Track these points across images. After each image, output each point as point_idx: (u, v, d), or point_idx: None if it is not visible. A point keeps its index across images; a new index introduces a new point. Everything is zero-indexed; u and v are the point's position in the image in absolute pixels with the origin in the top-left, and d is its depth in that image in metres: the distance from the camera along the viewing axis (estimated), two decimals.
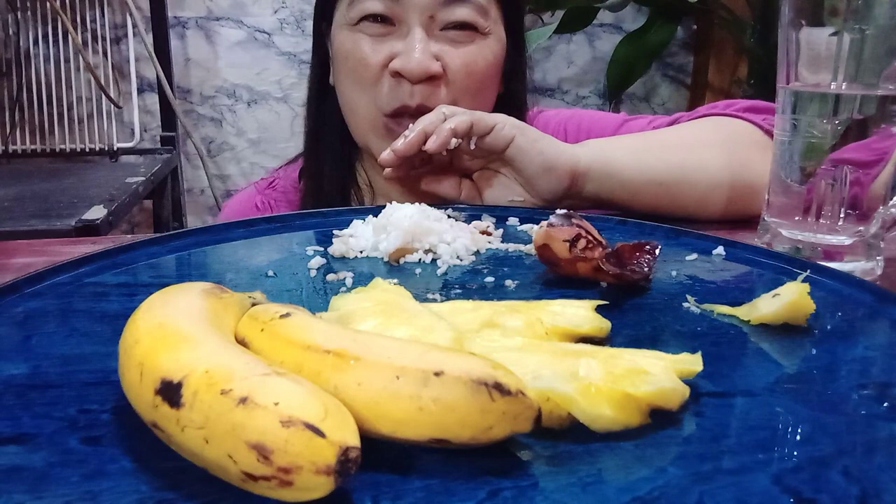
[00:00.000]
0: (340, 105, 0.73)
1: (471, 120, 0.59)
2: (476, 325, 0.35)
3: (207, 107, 1.88)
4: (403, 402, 0.25)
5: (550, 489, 0.25)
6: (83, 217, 1.08)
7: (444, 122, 0.59)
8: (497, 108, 0.73)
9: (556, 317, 0.35)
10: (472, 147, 0.61)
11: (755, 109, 0.70)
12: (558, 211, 0.45)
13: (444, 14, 0.67)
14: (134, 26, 1.70)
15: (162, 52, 1.71)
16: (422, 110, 0.64)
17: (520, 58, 0.77)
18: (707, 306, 0.41)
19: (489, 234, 0.55)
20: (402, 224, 0.50)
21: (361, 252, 0.50)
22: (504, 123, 0.60)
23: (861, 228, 0.51)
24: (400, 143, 0.59)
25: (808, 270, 0.45)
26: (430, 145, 0.58)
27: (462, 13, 0.67)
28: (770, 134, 0.65)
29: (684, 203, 0.65)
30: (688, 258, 0.50)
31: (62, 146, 1.73)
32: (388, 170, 0.61)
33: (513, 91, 0.77)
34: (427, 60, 0.65)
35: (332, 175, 0.77)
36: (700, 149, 0.66)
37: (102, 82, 1.66)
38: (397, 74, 0.66)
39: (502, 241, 0.54)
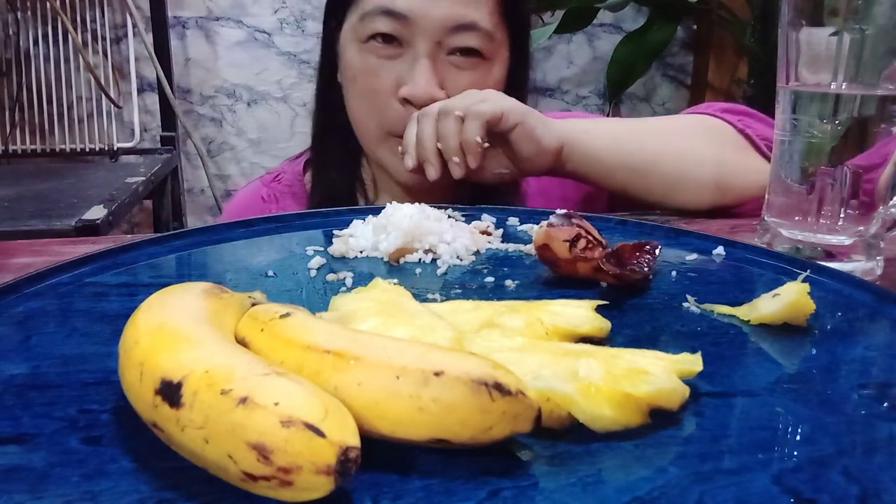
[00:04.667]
0: (348, 113, 0.76)
1: (481, 124, 0.62)
2: (476, 325, 0.35)
3: (207, 107, 1.88)
4: (403, 402, 0.25)
5: (550, 489, 0.25)
6: (83, 217, 1.08)
7: (466, 133, 0.62)
8: None
9: (556, 317, 0.35)
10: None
11: (732, 111, 0.73)
12: (558, 211, 0.45)
13: (451, 40, 0.69)
14: (134, 26, 1.71)
15: (162, 52, 1.71)
16: None
17: (524, 68, 0.78)
18: (707, 306, 0.41)
19: (489, 234, 0.55)
20: (402, 224, 0.50)
21: (361, 252, 0.50)
22: (510, 111, 0.63)
23: (861, 228, 0.51)
24: (432, 173, 0.63)
25: (808, 270, 0.45)
26: (472, 164, 0.62)
27: (468, 40, 0.69)
28: (743, 134, 0.70)
29: (652, 187, 0.69)
30: (688, 258, 0.50)
31: (62, 146, 1.73)
32: (409, 163, 0.65)
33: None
34: (432, 89, 0.68)
35: (338, 168, 0.79)
36: (677, 141, 0.70)
37: (102, 82, 1.66)
38: (406, 101, 0.69)
39: (502, 241, 0.54)
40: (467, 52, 0.70)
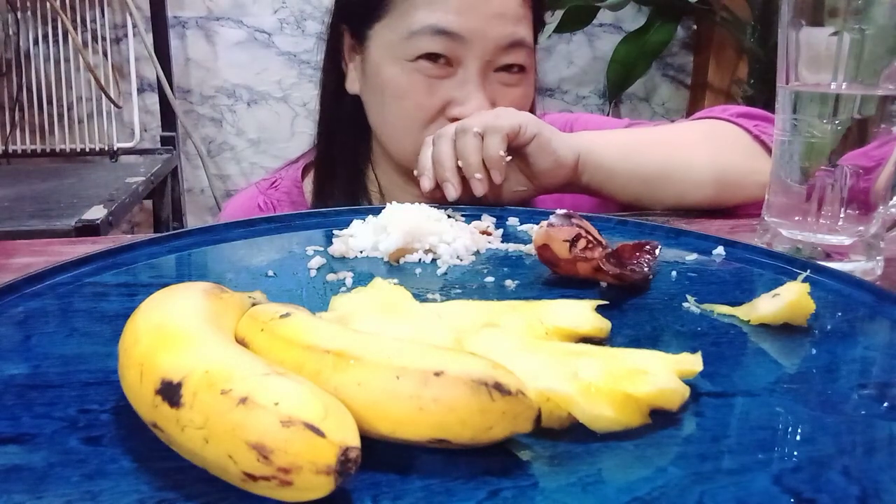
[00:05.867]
0: (378, 128, 0.74)
1: (501, 138, 0.61)
2: (476, 325, 0.35)
3: (207, 107, 1.88)
4: (403, 402, 0.25)
5: (550, 489, 0.25)
6: (83, 217, 1.08)
7: (488, 148, 0.61)
8: None
9: (556, 317, 0.35)
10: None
11: (748, 115, 0.72)
12: (558, 211, 0.45)
13: (501, 58, 0.69)
14: (134, 26, 1.70)
15: (162, 52, 1.71)
16: None
17: (534, 72, 0.78)
18: (707, 306, 0.41)
19: (489, 234, 0.55)
20: (402, 224, 0.50)
21: (361, 252, 0.50)
22: (526, 124, 0.63)
23: (861, 228, 0.51)
24: (452, 193, 0.61)
25: (808, 270, 0.45)
26: (497, 179, 0.61)
27: (517, 57, 0.70)
28: (759, 140, 0.69)
29: (664, 198, 0.69)
30: (688, 258, 0.50)
31: (62, 146, 1.73)
32: (426, 185, 0.63)
33: None
34: (485, 109, 0.67)
35: (344, 178, 0.78)
36: (684, 148, 0.69)
37: (102, 82, 1.66)
38: (454, 119, 0.68)
39: (502, 241, 0.54)
40: (512, 67, 0.70)
